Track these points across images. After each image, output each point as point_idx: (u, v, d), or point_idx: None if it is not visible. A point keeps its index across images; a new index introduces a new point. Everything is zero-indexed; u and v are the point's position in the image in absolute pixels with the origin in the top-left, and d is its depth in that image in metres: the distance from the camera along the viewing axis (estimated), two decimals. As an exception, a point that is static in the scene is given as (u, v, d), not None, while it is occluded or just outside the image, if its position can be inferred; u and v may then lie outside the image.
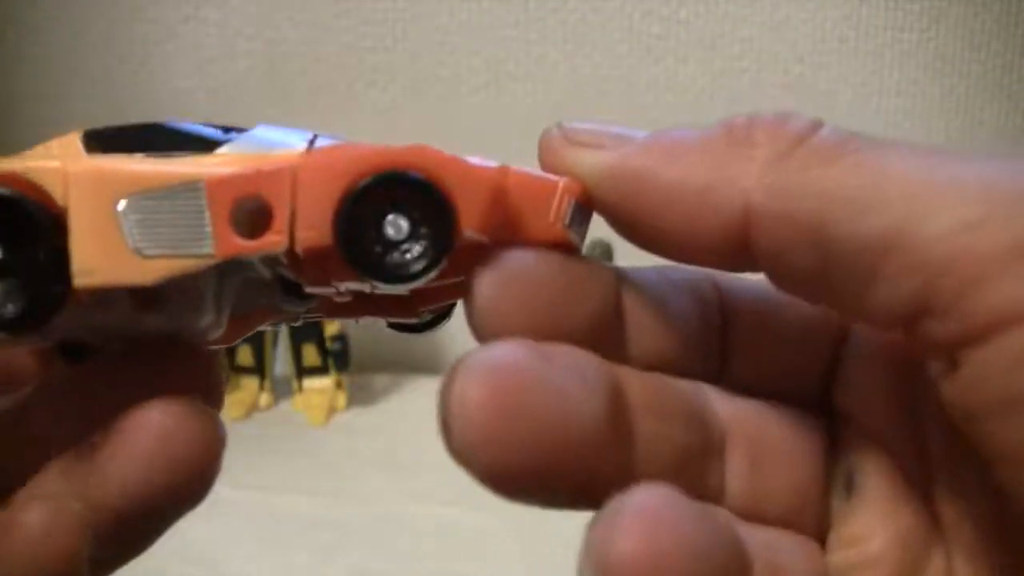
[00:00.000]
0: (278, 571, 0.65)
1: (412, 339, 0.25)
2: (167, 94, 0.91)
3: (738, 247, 0.19)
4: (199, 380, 0.22)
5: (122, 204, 0.19)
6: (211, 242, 0.19)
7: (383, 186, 0.19)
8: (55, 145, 0.20)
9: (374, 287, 0.20)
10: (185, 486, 0.20)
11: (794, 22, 0.81)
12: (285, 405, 0.85)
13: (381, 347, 0.86)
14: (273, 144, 0.20)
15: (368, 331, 0.25)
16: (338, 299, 0.23)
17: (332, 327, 0.82)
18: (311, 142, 0.20)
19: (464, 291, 0.20)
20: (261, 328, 0.25)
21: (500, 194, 0.20)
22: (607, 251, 0.34)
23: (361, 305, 0.23)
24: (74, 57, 0.92)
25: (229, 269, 0.21)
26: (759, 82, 0.82)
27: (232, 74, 0.89)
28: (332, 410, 0.83)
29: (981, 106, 0.81)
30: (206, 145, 0.20)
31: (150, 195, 0.19)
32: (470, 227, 0.19)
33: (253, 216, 0.19)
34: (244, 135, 0.20)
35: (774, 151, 0.18)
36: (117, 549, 0.21)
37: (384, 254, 0.19)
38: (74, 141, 0.20)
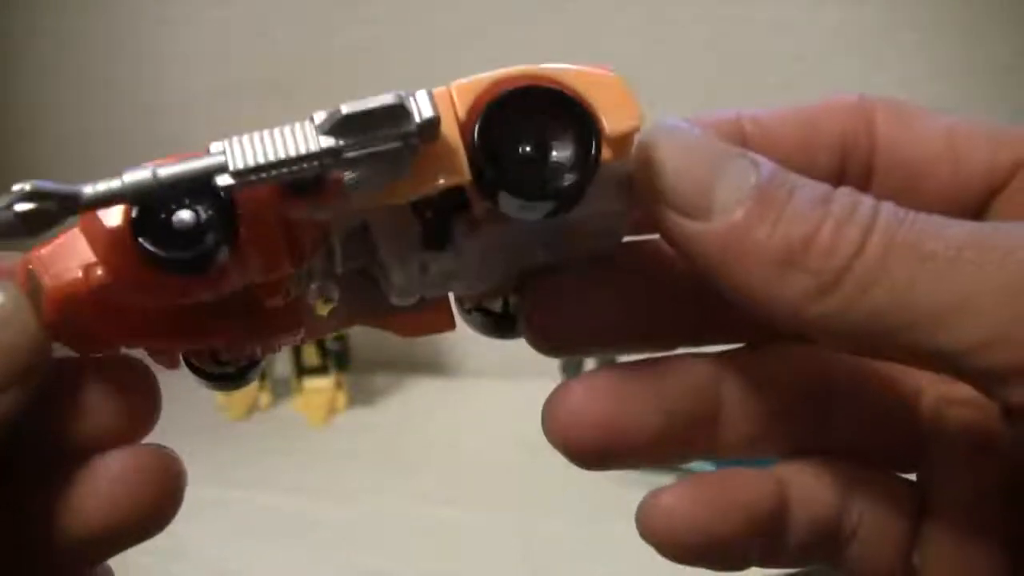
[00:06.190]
0: (278, 571, 0.65)
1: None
2: (168, 94, 0.91)
3: None
4: (135, 389, 0.22)
5: None
6: None
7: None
8: None
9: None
10: (144, 522, 0.22)
11: (794, 22, 0.81)
12: (285, 405, 0.85)
13: (382, 347, 0.86)
14: None
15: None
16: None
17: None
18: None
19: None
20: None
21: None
22: None
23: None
24: (74, 57, 0.92)
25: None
26: (759, 82, 0.82)
27: (232, 74, 0.89)
28: (332, 410, 0.83)
29: (981, 107, 0.81)
30: None
31: None
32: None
33: None
34: None
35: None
36: None
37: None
38: None
